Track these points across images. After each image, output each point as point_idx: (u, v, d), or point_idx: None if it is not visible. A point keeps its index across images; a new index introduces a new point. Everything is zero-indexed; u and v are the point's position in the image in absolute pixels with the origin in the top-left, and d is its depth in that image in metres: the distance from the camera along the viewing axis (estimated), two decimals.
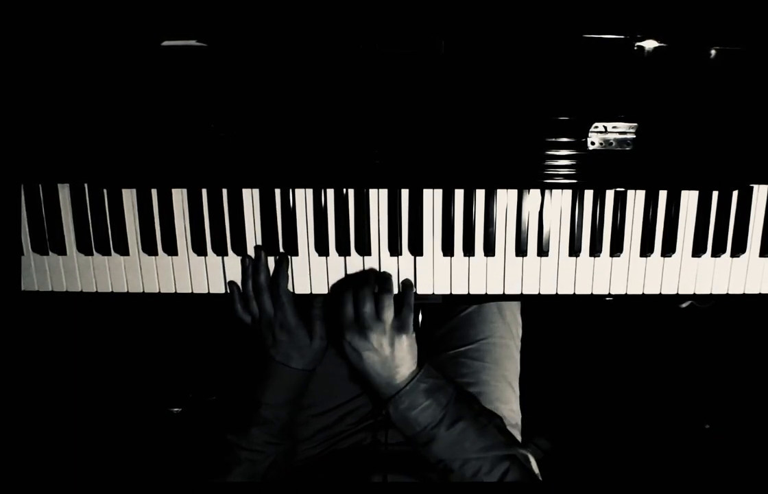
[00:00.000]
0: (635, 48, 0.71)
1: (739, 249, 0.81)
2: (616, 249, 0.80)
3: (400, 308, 0.75)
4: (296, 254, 0.80)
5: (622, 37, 0.71)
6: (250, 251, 0.80)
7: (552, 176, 0.77)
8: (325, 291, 0.81)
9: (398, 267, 0.81)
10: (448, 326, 0.98)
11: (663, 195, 0.79)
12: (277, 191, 0.79)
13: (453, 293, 0.81)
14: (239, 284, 0.81)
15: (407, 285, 0.79)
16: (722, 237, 0.80)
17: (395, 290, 0.79)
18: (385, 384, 0.74)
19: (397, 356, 0.73)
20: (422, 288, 0.81)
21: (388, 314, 0.72)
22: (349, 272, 0.81)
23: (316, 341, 0.80)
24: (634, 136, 0.75)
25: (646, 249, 0.80)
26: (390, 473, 0.75)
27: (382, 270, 0.80)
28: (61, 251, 0.80)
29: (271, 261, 0.81)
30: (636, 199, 0.79)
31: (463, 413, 0.75)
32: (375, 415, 0.87)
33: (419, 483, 0.76)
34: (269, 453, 0.77)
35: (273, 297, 0.78)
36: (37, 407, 1.31)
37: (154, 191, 0.79)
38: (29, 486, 1.14)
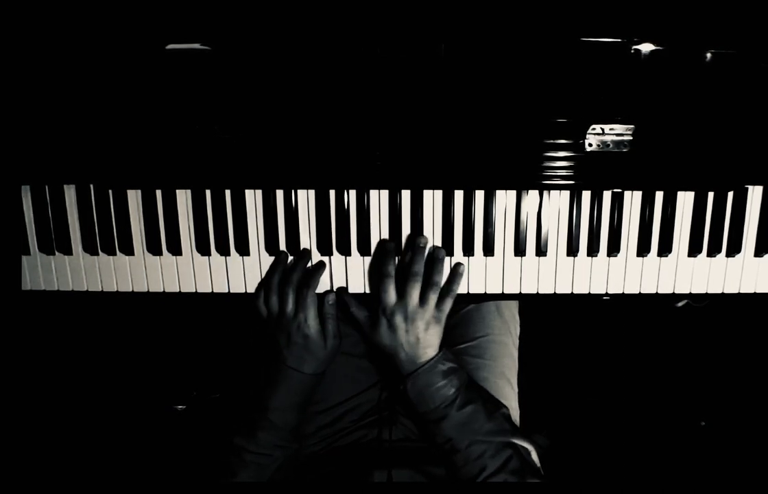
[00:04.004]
0: (632, 51, 0.72)
1: (734, 249, 0.82)
2: (614, 249, 0.81)
3: (443, 297, 0.78)
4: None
5: (619, 40, 0.72)
6: (253, 252, 0.81)
7: (550, 177, 0.78)
8: (328, 290, 0.82)
9: None
10: (446, 324, 0.99)
11: (659, 196, 0.80)
12: (280, 192, 0.80)
13: None
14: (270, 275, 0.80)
15: (458, 273, 0.80)
16: (718, 237, 0.81)
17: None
18: (409, 361, 0.76)
19: (427, 340, 0.76)
20: None
21: (431, 304, 0.76)
22: (350, 272, 0.82)
23: (330, 341, 0.80)
24: (631, 137, 0.76)
25: (642, 249, 0.81)
26: (393, 469, 0.77)
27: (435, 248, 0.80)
28: (67, 251, 0.81)
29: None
30: (633, 200, 0.80)
31: (474, 397, 0.77)
32: (379, 411, 0.88)
33: (422, 483, 0.77)
34: (276, 457, 0.77)
35: (299, 298, 0.78)
36: (42, 404, 1.32)
37: (158, 192, 0.80)
38: (34, 484, 1.15)
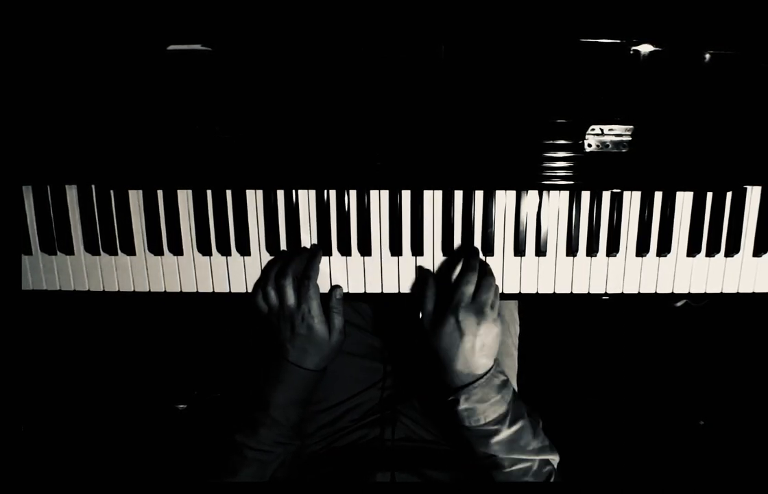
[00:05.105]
0: (631, 52, 0.72)
1: (732, 249, 0.82)
2: (613, 249, 0.81)
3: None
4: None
5: (618, 41, 0.72)
6: (254, 252, 0.82)
7: (550, 178, 0.78)
8: (334, 285, 0.82)
9: (399, 267, 0.82)
10: None
11: (658, 196, 0.81)
12: (280, 192, 0.80)
13: None
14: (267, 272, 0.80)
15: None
16: (716, 237, 0.82)
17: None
18: (466, 372, 0.73)
19: (491, 346, 0.74)
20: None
21: (498, 307, 0.74)
22: (350, 272, 0.82)
23: (335, 335, 0.79)
24: (630, 138, 0.77)
25: (641, 249, 0.82)
26: (395, 471, 0.76)
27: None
28: (69, 251, 0.82)
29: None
30: (632, 200, 0.81)
31: (522, 412, 0.76)
32: (381, 410, 0.88)
33: (426, 484, 0.76)
34: (278, 454, 0.77)
35: (301, 289, 0.77)
36: (44, 404, 1.33)
37: (159, 192, 0.80)
38: (35, 484, 1.15)
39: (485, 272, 0.76)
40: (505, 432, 0.73)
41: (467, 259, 0.77)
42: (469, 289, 0.73)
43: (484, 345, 0.72)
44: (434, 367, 0.76)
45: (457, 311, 0.72)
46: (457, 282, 0.74)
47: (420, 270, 0.82)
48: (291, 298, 0.76)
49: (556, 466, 0.78)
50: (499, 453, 0.73)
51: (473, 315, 0.72)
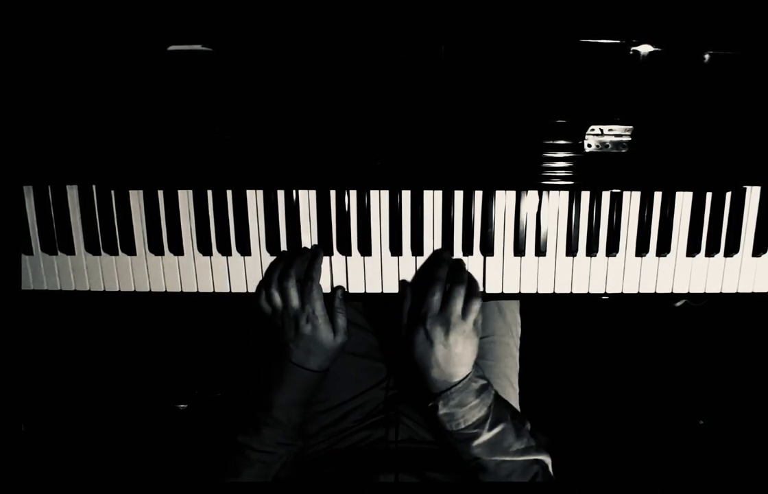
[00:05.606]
0: (631, 52, 0.72)
1: (732, 249, 0.82)
2: (612, 249, 0.82)
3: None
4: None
5: (618, 41, 0.72)
6: (255, 252, 0.82)
7: (549, 178, 0.78)
8: (329, 291, 0.83)
9: (399, 267, 0.82)
10: None
11: (658, 196, 0.81)
12: (281, 192, 0.80)
13: None
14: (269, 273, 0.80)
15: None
16: (716, 237, 0.82)
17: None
18: (442, 379, 0.74)
19: (464, 356, 0.74)
20: None
21: (471, 317, 0.74)
22: (350, 272, 0.83)
23: (339, 336, 0.79)
24: (630, 138, 0.77)
25: (641, 249, 0.82)
26: (394, 471, 0.76)
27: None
28: (70, 251, 0.82)
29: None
30: (632, 200, 0.81)
31: (503, 415, 0.76)
32: (385, 411, 0.88)
33: (428, 484, 0.76)
34: (280, 455, 0.77)
35: (304, 290, 0.77)
36: (45, 404, 1.33)
37: (160, 192, 0.80)
38: (36, 483, 1.16)
39: (455, 281, 0.75)
40: (486, 435, 0.74)
41: (434, 270, 0.77)
42: (435, 300, 0.74)
43: (455, 355, 0.73)
44: (415, 374, 0.77)
45: (425, 322, 0.73)
46: (425, 293, 0.75)
47: (402, 281, 0.82)
48: (295, 299, 0.77)
49: (549, 465, 0.78)
50: (482, 456, 0.74)
51: (440, 326, 0.73)
